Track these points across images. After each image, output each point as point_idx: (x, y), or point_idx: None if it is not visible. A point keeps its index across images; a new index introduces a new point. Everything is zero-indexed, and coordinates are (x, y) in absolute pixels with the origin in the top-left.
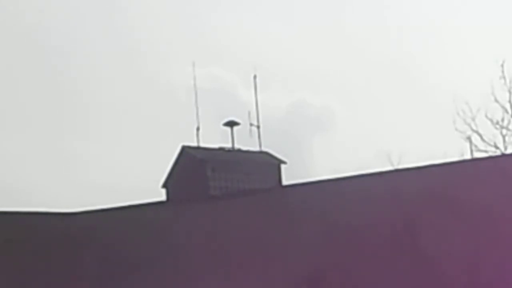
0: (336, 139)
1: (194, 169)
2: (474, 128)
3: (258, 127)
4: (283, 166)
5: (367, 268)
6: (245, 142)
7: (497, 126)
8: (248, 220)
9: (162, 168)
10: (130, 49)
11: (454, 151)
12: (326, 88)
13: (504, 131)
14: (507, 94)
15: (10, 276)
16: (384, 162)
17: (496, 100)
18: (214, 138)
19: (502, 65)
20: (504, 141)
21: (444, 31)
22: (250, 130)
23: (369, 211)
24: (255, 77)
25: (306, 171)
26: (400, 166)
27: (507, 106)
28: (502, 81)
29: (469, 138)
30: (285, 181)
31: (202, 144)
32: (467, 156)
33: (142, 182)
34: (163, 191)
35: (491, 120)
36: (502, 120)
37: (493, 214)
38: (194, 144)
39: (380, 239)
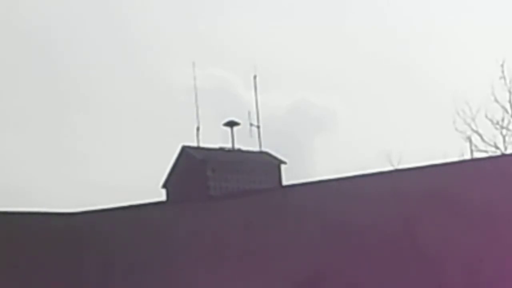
0: (337, 139)
1: (194, 169)
2: (474, 128)
3: (258, 127)
4: (283, 166)
5: (367, 268)
6: (245, 142)
7: (497, 126)
8: (248, 220)
9: (162, 168)
10: (130, 49)
11: (454, 151)
12: (326, 88)
13: (504, 131)
14: (507, 94)
15: (10, 276)
16: (385, 162)
17: (496, 100)
18: (214, 138)
19: (502, 65)
20: (504, 141)
21: (444, 31)
22: (250, 130)
23: (369, 211)
24: (255, 77)
25: (306, 171)
26: (400, 166)
27: (507, 106)
28: (502, 81)
29: (469, 138)
30: (285, 181)
31: (202, 144)
32: (467, 156)
33: (142, 182)
34: (163, 191)
35: (491, 120)
36: (502, 120)
37: (493, 214)
38: (194, 144)
39: (380, 239)
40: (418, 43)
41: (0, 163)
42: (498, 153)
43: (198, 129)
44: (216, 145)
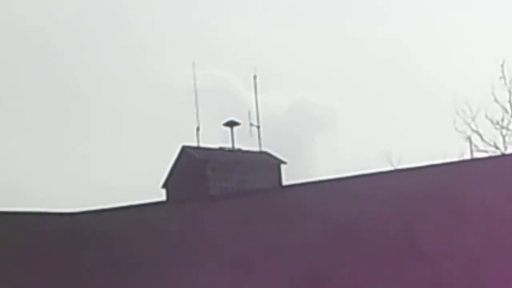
0: (337, 139)
1: (194, 169)
2: (474, 128)
3: (258, 127)
4: (283, 166)
5: (367, 268)
6: (245, 142)
7: (497, 126)
8: (248, 220)
9: (162, 168)
10: (130, 49)
11: (454, 151)
12: (326, 88)
13: (504, 131)
14: (507, 94)
15: (10, 276)
16: (385, 162)
17: (496, 100)
18: (214, 138)
19: (502, 65)
20: (504, 141)
21: (445, 31)
22: (250, 130)
23: (370, 211)
24: (255, 77)
25: (306, 171)
26: (400, 166)
27: (507, 106)
28: (502, 81)
29: (469, 138)
30: (285, 181)
31: (202, 144)
32: (467, 156)
33: (142, 182)
34: (163, 191)
35: (491, 120)
36: (502, 120)
37: (493, 214)
38: (194, 144)
39: (381, 239)
40: (418, 43)
41: (0, 163)
42: (498, 153)
43: (198, 129)
44: (216, 145)
